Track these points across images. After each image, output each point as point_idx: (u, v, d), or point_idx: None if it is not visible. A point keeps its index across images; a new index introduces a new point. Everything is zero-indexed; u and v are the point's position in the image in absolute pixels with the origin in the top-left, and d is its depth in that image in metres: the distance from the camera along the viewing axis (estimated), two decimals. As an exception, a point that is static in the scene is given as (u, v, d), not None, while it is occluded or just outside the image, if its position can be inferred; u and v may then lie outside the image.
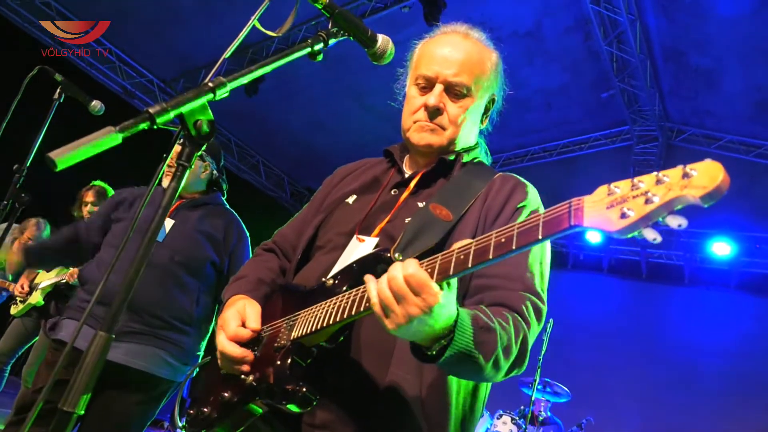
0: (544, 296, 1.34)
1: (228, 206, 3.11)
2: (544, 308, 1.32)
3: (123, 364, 2.50)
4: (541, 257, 1.39)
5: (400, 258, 1.21)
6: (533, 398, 5.44)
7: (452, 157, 1.53)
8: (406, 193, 1.48)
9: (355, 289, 1.13)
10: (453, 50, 1.48)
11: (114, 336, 0.81)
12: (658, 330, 8.20)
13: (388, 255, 1.22)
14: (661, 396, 7.74)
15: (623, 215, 0.78)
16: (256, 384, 1.22)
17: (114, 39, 8.22)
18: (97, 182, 4.53)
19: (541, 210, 1.43)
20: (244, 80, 0.96)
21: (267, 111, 9.16)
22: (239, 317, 1.34)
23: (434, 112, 1.48)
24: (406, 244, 1.27)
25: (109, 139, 0.78)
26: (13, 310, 4.49)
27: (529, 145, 9.73)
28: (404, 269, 0.97)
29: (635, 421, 7.70)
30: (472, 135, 1.58)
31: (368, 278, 1.05)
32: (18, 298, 4.48)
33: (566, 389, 5.93)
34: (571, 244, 9.41)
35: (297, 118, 9.40)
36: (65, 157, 0.75)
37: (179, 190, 0.88)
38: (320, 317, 1.17)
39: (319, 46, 1.10)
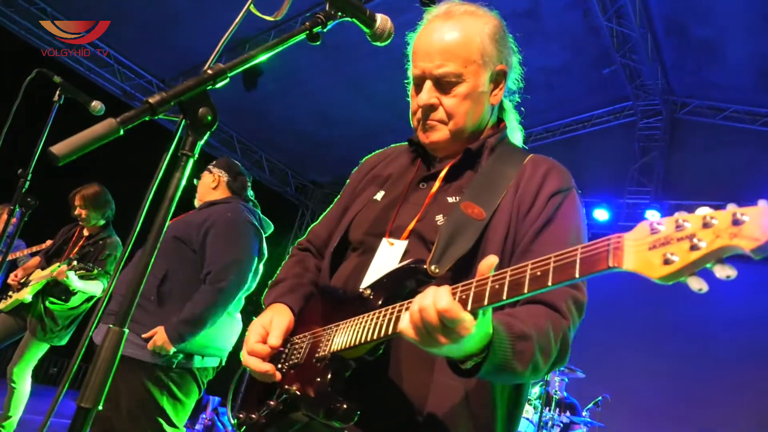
0: (584, 287, 1.30)
1: (237, 203, 3.14)
2: (585, 299, 1.29)
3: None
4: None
5: (437, 271, 1.20)
6: (547, 378, 5.44)
7: (479, 146, 1.46)
8: (434, 189, 1.43)
9: (391, 306, 1.13)
10: (433, 40, 1.41)
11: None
12: (670, 303, 8.16)
13: (424, 267, 1.20)
14: (676, 369, 7.73)
15: (666, 261, 0.72)
16: (299, 394, 1.23)
17: (111, 42, 8.20)
18: (91, 185, 4.56)
19: (576, 194, 1.42)
20: (244, 66, 0.94)
21: (267, 105, 9.14)
22: (262, 331, 1.34)
23: (428, 110, 1.42)
24: (441, 252, 1.24)
25: (110, 131, 0.77)
26: (1, 305, 4.48)
27: (532, 126, 9.65)
28: (437, 302, 0.95)
29: (652, 396, 7.69)
30: (483, 116, 1.49)
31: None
32: (9, 293, 4.49)
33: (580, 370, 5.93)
34: (578, 224, 9.37)
35: (298, 111, 9.37)
36: (67, 151, 0.74)
37: (183, 182, 0.87)
38: (359, 332, 1.16)
39: (317, 29, 1.08)
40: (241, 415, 1.39)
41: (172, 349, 2.65)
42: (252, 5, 1.06)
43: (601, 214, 8.62)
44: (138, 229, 0.82)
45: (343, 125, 9.52)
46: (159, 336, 2.65)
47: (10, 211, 2.37)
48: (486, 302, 0.93)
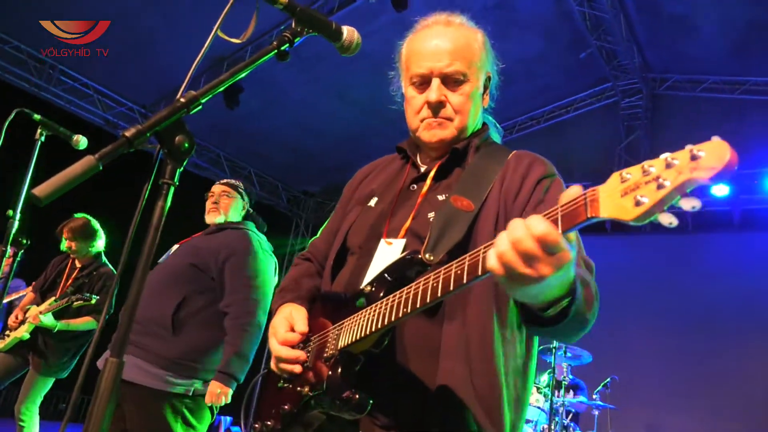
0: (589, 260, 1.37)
1: (250, 229, 3.17)
2: (593, 265, 1.35)
3: None
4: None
5: (431, 258, 1.25)
6: (554, 364, 5.47)
7: (465, 145, 1.54)
8: (425, 189, 1.49)
9: (391, 295, 1.17)
10: (439, 41, 1.49)
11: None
12: (670, 280, 8.21)
13: (419, 257, 1.26)
14: (682, 344, 7.76)
15: (637, 203, 0.79)
16: (312, 393, 1.28)
17: (88, 72, 8.20)
18: (79, 215, 4.59)
19: (561, 180, 1.48)
20: (215, 91, 0.96)
21: (251, 121, 9.14)
22: (287, 323, 1.42)
23: (437, 107, 1.48)
24: (435, 242, 1.29)
25: (89, 168, 0.79)
26: (0, 345, 4.44)
27: (516, 116, 9.71)
28: (533, 228, 0.89)
29: (660, 373, 7.73)
30: (478, 117, 1.59)
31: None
32: (6, 332, 4.47)
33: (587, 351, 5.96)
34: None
35: (282, 124, 9.39)
36: (49, 192, 0.76)
37: (166, 210, 0.89)
38: (363, 326, 1.21)
39: (285, 47, 1.10)
40: (257, 425, 1.42)
41: (231, 391, 2.73)
42: (219, 30, 1.08)
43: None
44: (125, 259, 0.84)
45: (329, 133, 9.54)
46: (213, 389, 2.70)
47: (2, 252, 2.38)
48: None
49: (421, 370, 1.29)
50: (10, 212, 2.40)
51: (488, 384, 1.29)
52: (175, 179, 0.90)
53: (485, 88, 1.59)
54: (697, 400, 7.38)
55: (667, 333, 7.93)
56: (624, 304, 8.28)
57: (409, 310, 1.11)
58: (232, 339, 2.79)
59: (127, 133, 0.85)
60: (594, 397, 5.97)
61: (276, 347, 1.38)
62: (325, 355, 1.29)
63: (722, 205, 8.10)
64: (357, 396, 1.18)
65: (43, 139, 2.56)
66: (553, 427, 5.46)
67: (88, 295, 4.18)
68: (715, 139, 0.77)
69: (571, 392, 6.10)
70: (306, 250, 1.79)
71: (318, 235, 1.78)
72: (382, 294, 1.25)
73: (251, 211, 3.34)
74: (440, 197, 1.45)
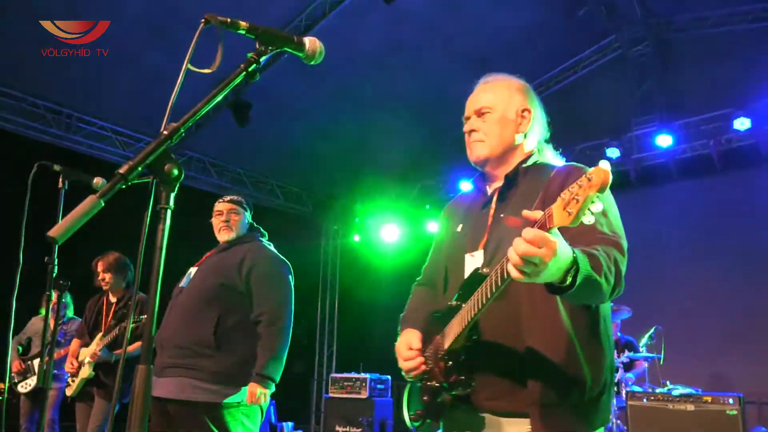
0: (621, 234, 1.70)
1: (261, 240, 3.41)
2: (624, 242, 1.66)
3: (162, 397, 2.85)
4: (606, 206, 1.65)
5: (487, 271, 1.65)
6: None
7: (514, 170, 1.94)
8: (492, 211, 1.93)
9: (466, 303, 1.66)
10: (476, 94, 2.03)
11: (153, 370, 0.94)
12: (706, 224, 8.04)
13: (480, 271, 1.72)
14: (730, 286, 7.58)
15: (569, 213, 1.23)
16: (438, 384, 1.80)
17: (102, 114, 8.49)
18: (111, 252, 4.84)
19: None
20: (195, 119, 1.07)
21: (264, 135, 9.30)
22: (407, 344, 1.92)
23: (470, 133, 1.98)
24: (490, 258, 1.80)
25: (93, 206, 0.91)
26: (69, 391, 4.65)
27: (524, 85, 9.61)
28: (525, 234, 1.30)
29: (711, 319, 7.59)
30: (511, 137, 1.97)
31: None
32: (70, 378, 4.69)
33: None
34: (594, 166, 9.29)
35: (294, 132, 9.51)
36: (62, 231, 0.88)
37: (166, 233, 1.00)
38: (455, 329, 1.71)
39: (252, 67, 1.20)
40: (412, 415, 1.98)
41: (269, 391, 3.01)
42: (189, 64, 1.19)
43: (613, 152, 8.55)
44: (139, 279, 0.96)
45: (341, 135, 9.62)
46: (253, 390, 2.95)
47: (47, 297, 2.58)
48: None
49: (510, 352, 1.70)
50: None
51: (565, 350, 1.64)
52: (170, 203, 1.01)
53: (522, 118, 1.99)
54: (753, 342, 7.24)
55: (713, 278, 7.76)
56: (662, 255, 8.15)
57: (476, 311, 1.58)
58: (267, 344, 3.03)
59: (121, 170, 0.96)
60: (642, 349, 5.94)
61: (402, 363, 1.91)
62: (439, 355, 1.80)
63: (747, 138, 7.87)
64: (462, 378, 1.70)
65: (66, 187, 2.76)
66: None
67: (138, 318, 4.39)
68: (599, 166, 1.20)
69: (626, 351, 6.09)
70: (421, 276, 2.27)
71: (427, 262, 2.27)
72: (463, 304, 1.71)
73: (252, 222, 3.52)
74: (501, 215, 1.89)
